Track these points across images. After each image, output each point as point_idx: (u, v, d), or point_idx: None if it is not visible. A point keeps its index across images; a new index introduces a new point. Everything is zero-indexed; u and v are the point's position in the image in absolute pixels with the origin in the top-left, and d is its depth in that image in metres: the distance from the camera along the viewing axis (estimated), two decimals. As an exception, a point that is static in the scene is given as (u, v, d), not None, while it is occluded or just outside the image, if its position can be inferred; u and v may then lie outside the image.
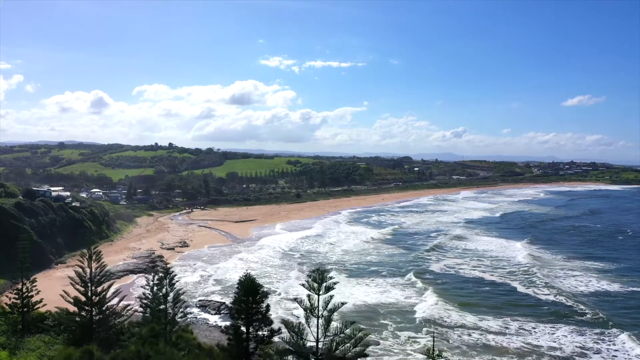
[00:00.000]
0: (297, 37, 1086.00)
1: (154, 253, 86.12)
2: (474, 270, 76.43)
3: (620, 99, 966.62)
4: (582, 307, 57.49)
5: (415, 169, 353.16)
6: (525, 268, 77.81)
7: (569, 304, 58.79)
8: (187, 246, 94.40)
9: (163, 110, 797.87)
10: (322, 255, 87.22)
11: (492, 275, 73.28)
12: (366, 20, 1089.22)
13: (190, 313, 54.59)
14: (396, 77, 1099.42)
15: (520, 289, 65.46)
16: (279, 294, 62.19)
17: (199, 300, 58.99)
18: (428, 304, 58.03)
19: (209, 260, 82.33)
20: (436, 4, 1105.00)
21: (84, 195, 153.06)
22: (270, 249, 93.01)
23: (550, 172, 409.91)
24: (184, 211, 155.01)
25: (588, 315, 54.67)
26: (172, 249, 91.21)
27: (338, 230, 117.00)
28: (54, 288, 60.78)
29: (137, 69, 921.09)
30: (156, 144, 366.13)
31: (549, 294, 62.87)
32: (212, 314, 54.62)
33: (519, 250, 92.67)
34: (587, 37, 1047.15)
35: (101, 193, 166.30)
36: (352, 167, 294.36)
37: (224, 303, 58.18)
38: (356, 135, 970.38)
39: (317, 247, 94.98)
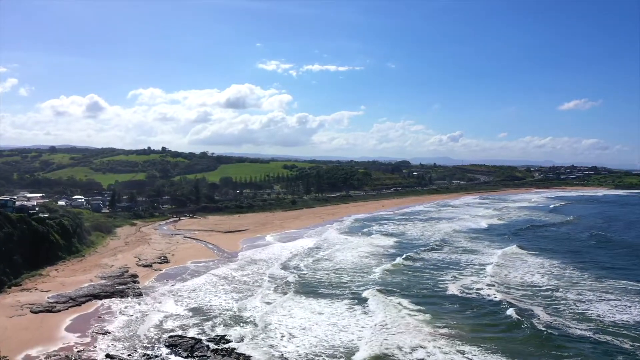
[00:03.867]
0: (295, 41, 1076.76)
1: (127, 271, 75.56)
2: (496, 293, 65.85)
3: (617, 102, 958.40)
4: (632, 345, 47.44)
5: (414, 173, 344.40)
6: (550, 291, 67.55)
7: (616, 342, 48.52)
8: (167, 262, 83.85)
9: (159, 114, 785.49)
10: (320, 273, 76.90)
11: (516, 300, 63.03)
12: (364, 24, 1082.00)
13: (158, 356, 44.55)
14: (393, 81, 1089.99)
15: (549, 319, 55.13)
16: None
17: (169, 337, 48.47)
18: (447, 343, 47.81)
19: (189, 280, 71.85)
20: (432, 8, 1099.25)
21: (62, 202, 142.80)
22: (261, 265, 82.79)
23: (552, 176, 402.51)
24: (171, 220, 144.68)
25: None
26: (150, 265, 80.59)
27: (336, 242, 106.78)
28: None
29: (132, 72, 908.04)
30: (149, 147, 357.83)
31: (588, 327, 52.68)
32: (183, 357, 44.29)
33: (539, 267, 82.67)
34: (583, 40, 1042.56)
35: (83, 200, 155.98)
36: (350, 172, 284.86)
37: (200, 340, 47.93)
38: (353, 140, 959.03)
39: (314, 263, 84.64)
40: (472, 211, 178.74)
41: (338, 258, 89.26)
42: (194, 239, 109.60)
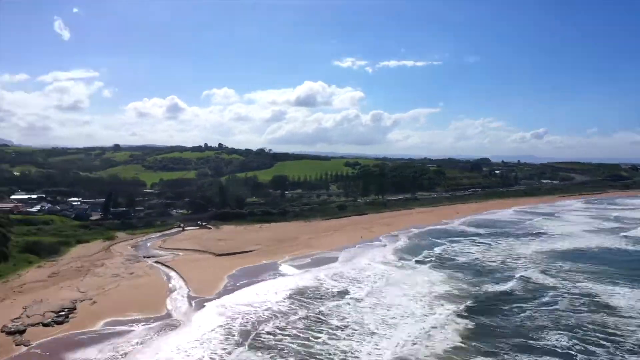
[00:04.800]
0: (371, 36, 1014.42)
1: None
2: None
3: None
4: None
5: (496, 172, 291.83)
6: None
7: None
8: (63, 323, 47.82)
9: (234, 114, 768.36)
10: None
11: None
12: (442, 16, 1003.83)
13: None
14: (472, 75, 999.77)
15: None
16: None
17: None
18: None
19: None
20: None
21: (36, 208, 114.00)
22: (230, 335, 45.24)
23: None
24: (174, 230, 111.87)
25: None
26: (22, 332, 44.99)
27: (376, 277, 67.02)
28: None
29: (206, 72, 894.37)
30: (205, 144, 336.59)
31: None
32: None
33: None
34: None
35: (79, 203, 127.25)
36: (421, 170, 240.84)
37: None
38: (429, 138, 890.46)
39: (328, 337, 45.89)
40: (584, 224, 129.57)
41: (366, 320, 49.76)
42: (166, 265, 73.89)
